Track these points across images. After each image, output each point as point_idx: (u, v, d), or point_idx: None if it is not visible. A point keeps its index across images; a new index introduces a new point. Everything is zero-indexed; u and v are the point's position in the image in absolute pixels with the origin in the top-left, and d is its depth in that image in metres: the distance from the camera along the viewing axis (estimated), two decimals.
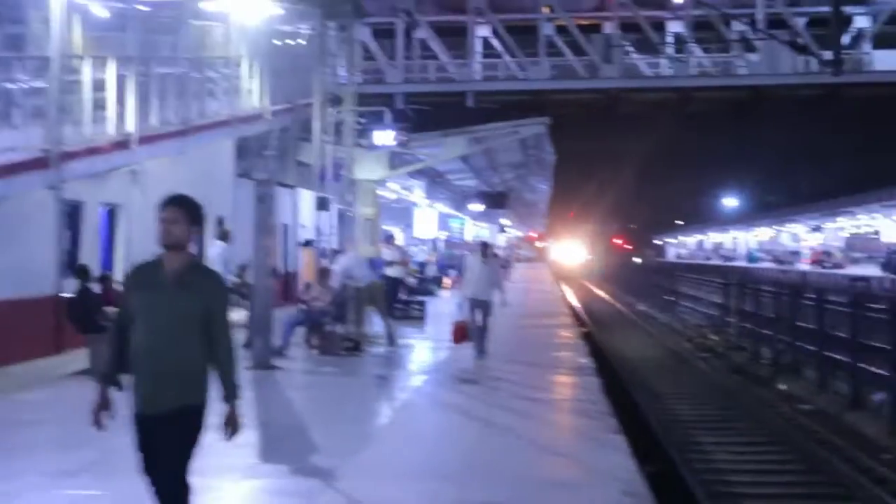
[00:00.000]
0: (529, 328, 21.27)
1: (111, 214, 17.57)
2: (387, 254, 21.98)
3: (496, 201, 44.79)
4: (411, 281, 30.63)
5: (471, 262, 15.49)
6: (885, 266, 52.60)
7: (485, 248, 15.77)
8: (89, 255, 16.09)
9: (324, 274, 15.88)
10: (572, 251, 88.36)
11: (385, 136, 24.90)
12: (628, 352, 24.26)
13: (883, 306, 14.86)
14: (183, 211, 4.56)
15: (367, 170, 27.13)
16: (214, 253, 15.83)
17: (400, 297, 22.75)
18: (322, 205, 18.91)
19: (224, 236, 16.19)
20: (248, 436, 8.66)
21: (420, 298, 23.89)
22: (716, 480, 11.01)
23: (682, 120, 36.45)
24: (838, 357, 16.82)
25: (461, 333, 14.79)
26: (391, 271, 21.63)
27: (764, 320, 21.35)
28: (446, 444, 8.65)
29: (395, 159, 28.36)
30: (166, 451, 4.51)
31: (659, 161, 67.69)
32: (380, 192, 34.84)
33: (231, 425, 4.70)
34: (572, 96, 33.43)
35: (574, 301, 38.68)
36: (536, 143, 33.12)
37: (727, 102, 34.07)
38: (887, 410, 13.70)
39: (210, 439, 8.33)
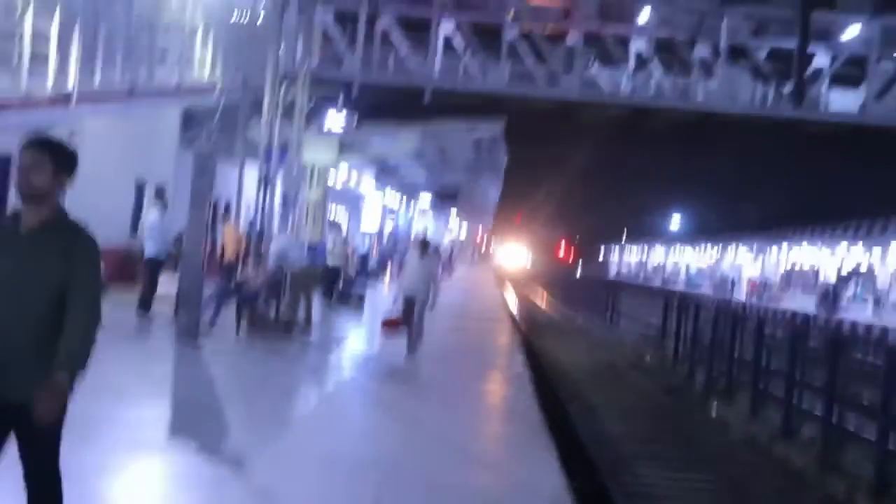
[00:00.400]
0: (467, 331, 20.97)
1: None
2: (329, 241, 21.54)
3: (445, 198, 44.49)
4: (350, 273, 30.21)
5: (409, 257, 15.28)
6: (820, 303, 53.45)
7: (423, 244, 15.37)
8: None
9: (258, 255, 15.35)
10: (516, 256, 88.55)
11: (336, 121, 24.32)
12: (564, 361, 24.04)
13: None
14: (47, 154, 3.68)
15: (315, 153, 26.55)
16: (152, 222, 15.27)
17: (339, 287, 22.31)
18: (264, 184, 18.33)
19: (161, 204, 15.64)
20: (162, 412, 8.24)
21: (359, 289, 23.46)
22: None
23: (636, 137, 36.46)
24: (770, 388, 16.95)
25: (391, 326, 14.42)
26: (332, 259, 21.17)
27: (700, 344, 21.27)
28: (367, 442, 8.23)
29: (346, 145, 27.85)
30: (28, 445, 3.59)
31: (609, 175, 68.03)
32: (330, 178, 34.36)
33: (50, 402, 3.42)
34: (530, 103, 33.17)
35: (514, 306, 38.45)
36: (491, 145, 32.86)
37: (682, 125, 34.13)
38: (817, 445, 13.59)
39: (121, 411, 7.96)
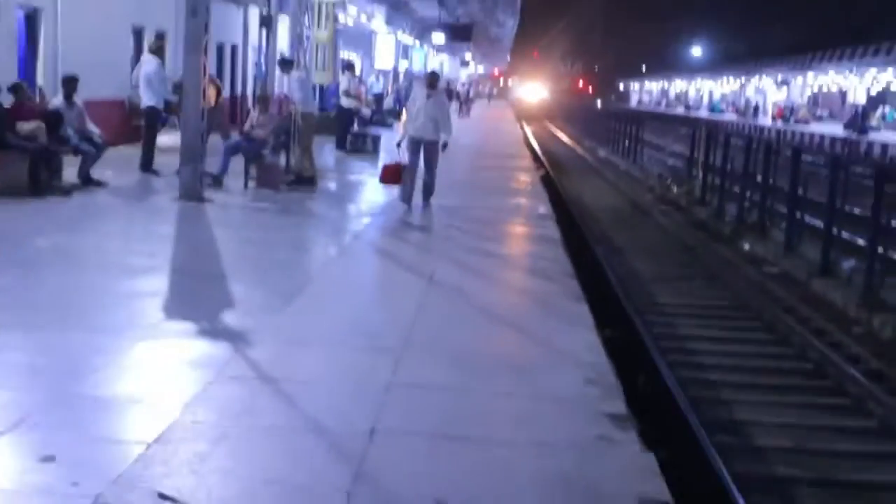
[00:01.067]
0: (488, 170, 20.22)
1: (30, 19, 15.79)
2: (343, 83, 20.51)
3: (460, 33, 42.67)
4: (366, 112, 29.24)
5: (415, 94, 13.61)
6: (848, 125, 52.05)
7: (432, 78, 13.67)
8: (4, 63, 14.50)
9: (263, 101, 14.42)
10: (535, 91, 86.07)
11: None
12: (588, 200, 23.33)
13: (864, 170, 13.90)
14: None
15: None
16: (149, 70, 14.35)
17: (353, 130, 21.43)
18: (265, 22, 17.18)
19: (159, 51, 14.66)
20: (159, 283, 7.62)
21: (374, 132, 22.57)
22: (677, 349, 10.20)
23: None
24: (809, 220, 16.21)
25: (391, 174, 13.14)
26: (346, 102, 20.23)
27: (731, 175, 20.41)
28: (383, 307, 7.59)
29: None
30: None
31: (630, 2, 65.26)
32: (341, 17, 32.82)
33: None
34: None
35: (535, 143, 37.47)
36: None
37: None
38: (858, 280, 12.95)
39: (112, 287, 7.37)
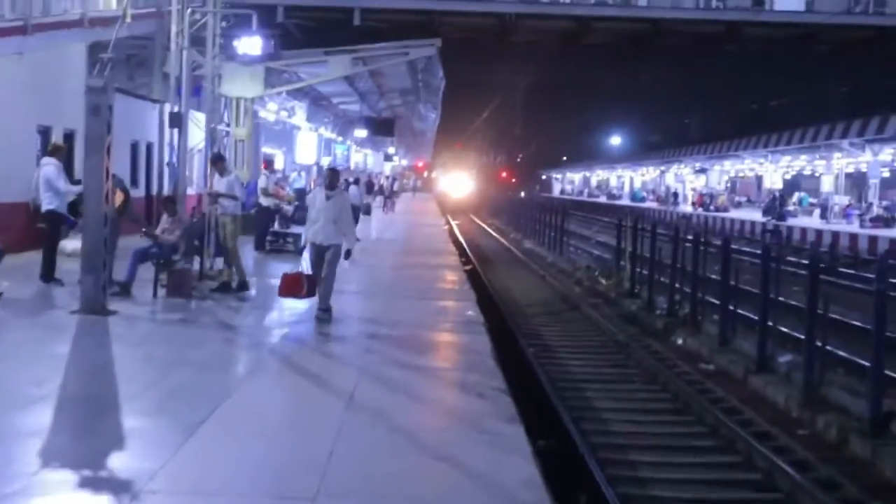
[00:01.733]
0: (413, 268, 19.61)
1: None
2: (261, 181, 19.86)
3: (382, 128, 42.54)
4: (287, 209, 28.56)
5: (314, 194, 12.49)
6: (767, 211, 53.03)
7: (332, 176, 12.44)
8: None
9: (170, 202, 13.64)
10: (460, 183, 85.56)
11: (251, 45, 22.29)
12: (517, 295, 22.82)
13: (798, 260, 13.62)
14: None
15: (240, 86, 24.69)
16: (48, 172, 13.51)
17: (273, 229, 20.73)
18: (174, 120, 16.52)
19: (57, 152, 13.84)
20: (43, 418, 6.69)
21: (296, 230, 21.88)
22: (618, 461, 9.56)
23: (579, 51, 34.83)
24: (743, 312, 15.89)
25: (291, 285, 11.72)
26: (265, 200, 19.56)
27: (660, 266, 20.12)
28: (297, 440, 6.75)
29: (273, 77, 25.99)
30: None
31: (550, 94, 66.33)
32: (262, 113, 32.41)
33: None
34: (465, 19, 31.30)
35: (461, 237, 37.14)
36: (427, 66, 31.08)
37: (625, 35, 32.56)
38: (798, 375, 12.54)
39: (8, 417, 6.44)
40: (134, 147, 24.79)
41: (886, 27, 30.00)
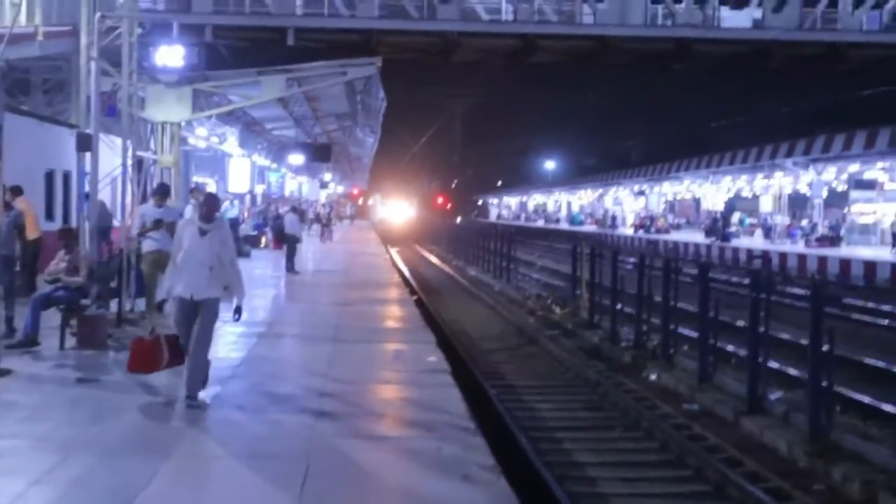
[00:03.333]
0: (359, 304, 17.94)
1: None
2: (189, 210, 17.99)
3: (319, 153, 40.80)
4: None
5: (182, 230, 8.93)
6: (709, 232, 52.44)
7: (209, 205, 8.98)
8: None
9: (68, 234, 11.75)
10: (398, 210, 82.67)
11: (172, 55, 20.50)
12: (470, 328, 21.31)
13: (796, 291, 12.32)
14: None
15: (165, 110, 22.89)
16: None
17: None
18: (82, 143, 14.73)
19: None
20: None
21: None
22: None
23: (523, 71, 33.67)
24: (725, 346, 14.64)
25: (145, 356, 8.80)
26: None
27: (622, 295, 18.79)
28: None
29: (201, 100, 24.24)
30: None
31: (491, 116, 65.44)
32: (191, 139, 30.58)
33: None
34: (406, 38, 29.93)
35: (403, 266, 35.55)
36: (366, 87, 29.57)
37: (572, 53, 31.44)
38: (795, 417, 11.21)
39: None
40: (49, 176, 22.79)
41: (838, 43, 29.35)
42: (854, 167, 42.96)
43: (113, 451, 7.05)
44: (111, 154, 19.23)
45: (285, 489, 6.08)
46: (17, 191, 14.90)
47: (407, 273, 31.44)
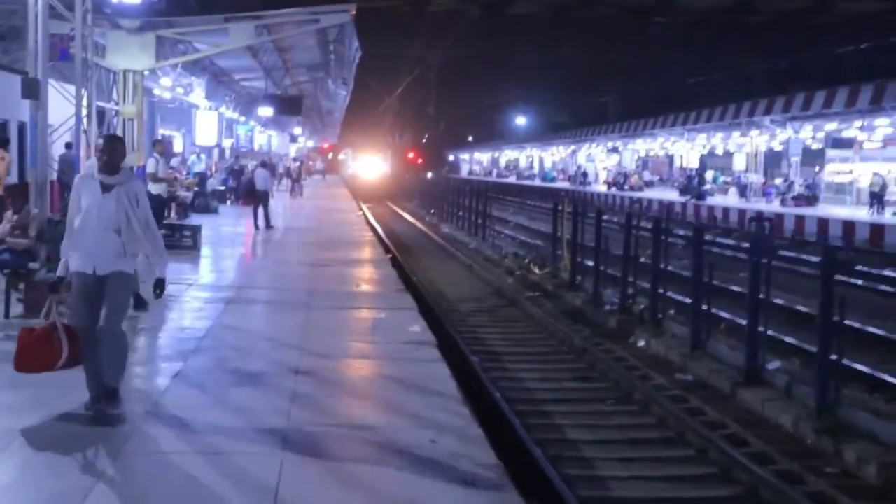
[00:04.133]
0: (333, 265, 17.06)
1: None
2: (151, 164, 16.97)
3: (289, 106, 39.52)
4: (186, 196, 25.72)
5: (80, 186, 6.98)
6: (684, 190, 51.82)
7: (113, 149, 7.00)
8: None
9: (16, 191, 10.76)
10: (371, 166, 79.80)
11: None
12: (447, 289, 20.51)
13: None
14: None
15: (127, 58, 21.71)
16: None
17: (167, 221, 17.96)
18: (29, 90, 13.63)
19: None
20: None
21: (193, 222, 19.15)
22: None
23: (500, 23, 32.60)
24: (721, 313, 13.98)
25: (36, 350, 6.80)
26: (154, 188, 16.77)
27: (608, 257, 18.06)
28: None
29: (166, 49, 23.04)
30: None
31: (464, 71, 64.12)
32: (156, 91, 29.37)
33: None
34: None
35: (374, 222, 34.61)
36: (338, 37, 28.38)
37: (552, 5, 30.42)
38: (801, 390, 10.55)
39: None
40: (3, 127, 21.60)
41: None
42: (832, 125, 42.56)
43: (54, 443, 6.13)
44: (68, 104, 18.13)
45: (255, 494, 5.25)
46: None
47: (380, 231, 30.51)
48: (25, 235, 9.96)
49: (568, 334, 15.22)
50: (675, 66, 53.38)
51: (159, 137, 21.16)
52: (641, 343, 14.54)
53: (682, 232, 19.77)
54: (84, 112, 14.23)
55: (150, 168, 16.55)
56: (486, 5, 30.19)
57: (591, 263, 18.61)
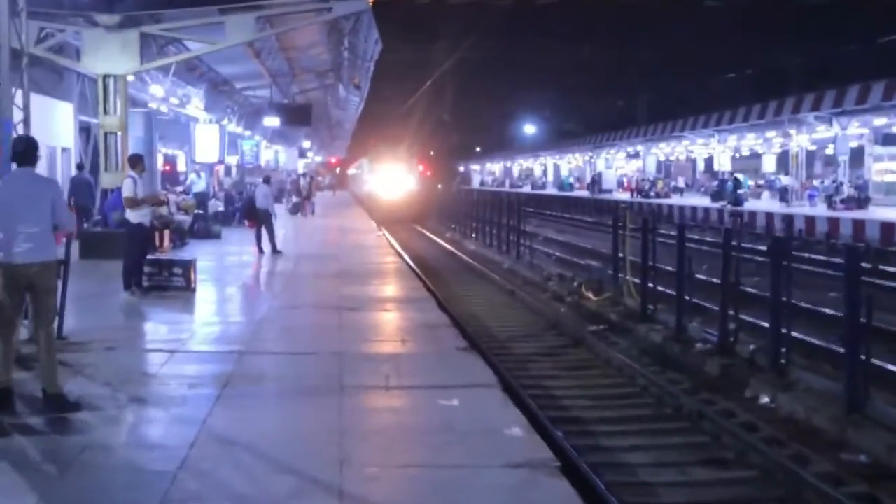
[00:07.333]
0: (362, 311, 13.53)
1: None
2: (127, 186, 13.53)
3: (297, 116, 36.18)
4: (184, 220, 22.46)
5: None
6: (716, 196, 48.11)
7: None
8: None
9: None
10: (395, 178, 55.23)
11: None
12: (490, 321, 17.20)
13: None
14: None
15: (106, 61, 18.46)
16: None
17: (151, 257, 14.58)
18: None
19: None
20: None
21: (186, 256, 15.80)
22: None
23: (527, 17, 29.40)
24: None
25: None
26: (133, 216, 13.43)
27: (689, 280, 14.71)
28: None
29: (152, 48, 19.79)
30: None
31: (483, 76, 60.76)
32: (151, 103, 26.20)
33: None
34: None
35: (395, 243, 31.22)
36: (354, 28, 25.10)
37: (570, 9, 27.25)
38: None
39: None
40: None
41: None
42: (881, 120, 39.29)
43: None
44: (54, 120, 14.95)
45: None
46: None
47: (406, 257, 26.96)
48: None
49: (665, 388, 11.84)
50: (708, 65, 50.01)
51: (139, 153, 17.41)
52: (765, 399, 11.21)
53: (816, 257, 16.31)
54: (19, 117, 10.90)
55: (126, 191, 13.16)
56: (501, 15, 26.97)
57: (657, 286, 15.30)
